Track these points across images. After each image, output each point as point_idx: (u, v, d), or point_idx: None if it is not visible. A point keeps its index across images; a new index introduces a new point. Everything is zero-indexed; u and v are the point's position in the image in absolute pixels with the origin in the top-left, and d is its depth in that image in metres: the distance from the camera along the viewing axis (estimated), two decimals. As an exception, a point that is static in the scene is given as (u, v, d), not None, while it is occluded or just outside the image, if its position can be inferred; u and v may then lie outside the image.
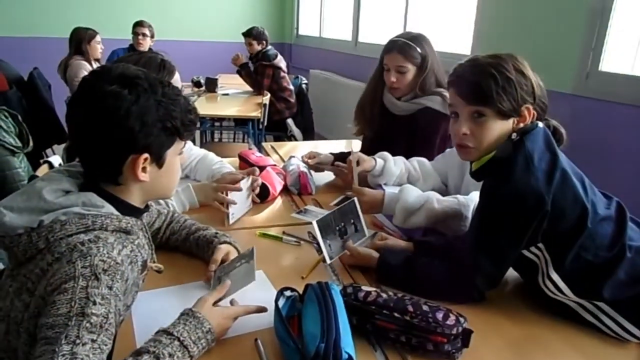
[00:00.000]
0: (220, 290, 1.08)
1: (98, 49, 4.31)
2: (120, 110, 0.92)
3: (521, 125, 1.19)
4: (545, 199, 1.08)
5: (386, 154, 1.87)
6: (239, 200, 1.64)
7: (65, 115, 0.99)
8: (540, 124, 1.21)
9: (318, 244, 1.50)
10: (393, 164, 1.83)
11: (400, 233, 1.60)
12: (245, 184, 1.68)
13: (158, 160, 1.01)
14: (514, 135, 1.17)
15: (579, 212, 1.12)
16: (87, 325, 0.80)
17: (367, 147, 2.14)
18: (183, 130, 1.03)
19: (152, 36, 4.86)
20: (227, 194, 1.61)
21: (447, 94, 1.89)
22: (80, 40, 4.21)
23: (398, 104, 2.04)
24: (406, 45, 1.94)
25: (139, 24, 4.79)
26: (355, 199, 1.51)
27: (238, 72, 4.72)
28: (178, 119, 1.00)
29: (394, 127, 2.03)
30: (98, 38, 4.30)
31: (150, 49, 4.80)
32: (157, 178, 1.02)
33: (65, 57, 4.26)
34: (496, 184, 1.17)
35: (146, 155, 0.97)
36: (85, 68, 4.14)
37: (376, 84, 2.09)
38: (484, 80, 1.15)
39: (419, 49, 1.94)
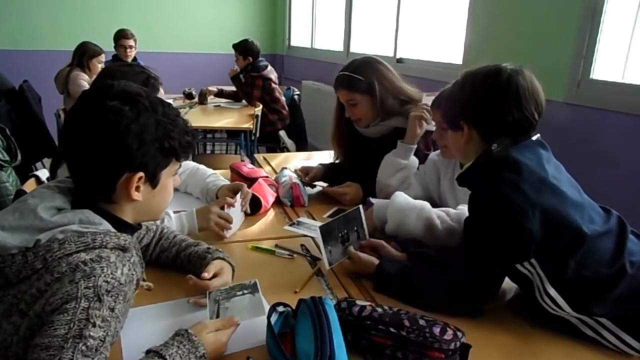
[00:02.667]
0: (225, 323, 1.02)
1: (98, 67, 4.24)
2: (120, 127, 0.91)
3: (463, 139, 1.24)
4: (529, 213, 1.06)
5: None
6: (234, 217, 1.62)
7: (62, 127, 0.97)
8: (535, 137, 1.20)
9: (311, 256, 1.48)
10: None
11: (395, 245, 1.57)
12: (238, 199, 1.67)
13: (152, 180, 0.99)
14: (494, 147, 1.17)
15: (573, 227, 1.09)
16: (83, 348, 0.78)
17: (352, 169, 2.12)
18: (180, 152, 1.02)
19: (135, 44, 4.85)
20: (224, 208, 1.59)
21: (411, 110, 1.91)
22: (83, 52, 4.17)
23: (368, 131, 2.04)
24: (348, 79, 1.94)
25: (123, 36, 4.75)
26: (360, 206, 1.49)
27: (234, 84, 4.72)
28: (176, 139, 0.99)
29: (372, 150, 2.01)
30: (102, 58, 4.25)
31: (135, 58, 4.80)
32: (149, 198, 1.01)
33: (65, 67, 4.18)
34: (482, 198, 1.16)
35: (141, 174, 0.96)
36: (84, 79, 4.09)
37: (339, 118, 2.09)
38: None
39: (361, 77, 1.92)
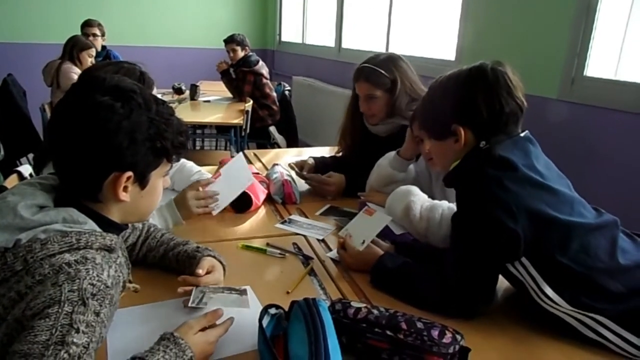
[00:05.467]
0: (209, 317, 0.99)
1: (89, 61, 4.11)
2: (111, 124, 0.87)
3: (459, 143, 1.20)
4: (513, 210, 1.05)
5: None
6: (220, 189, 1.56)
7: (49, 121, 0.92)
8: (523, 134, 1.19)
9: (304, 254, 1.44)
10: None
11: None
12: (227, 169, 1.60)
13: (141, 180, 0.95)
14: (482, 144, 1.16)
15: (561, 222, 1.07)
16: (65, 356, 0.73)
17: (356, 167, 2.09)
18: (172, 152, 0.98)
19: (102, 35, 4.76)
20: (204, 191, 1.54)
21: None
22: (73, 45, 4.06)
23: (378, 128, 2.00)
24: (373, 72, 1.89)
25: (87, 24, 4.67)
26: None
27: (222, 79, 4.67)
28: (169, 139, 0.95)
29: (380, 148, 1.96)
30: (92, 51, 4.15)
31: (103, 46, 4.75)
32: (137, 199, 0.97)
33: (55, 59, 4.07)
34: (468, 196, 1.15)
35: (130, 173, 0.92)
36: (75, 72, 3.97)
37: (353, 111, 2.05)
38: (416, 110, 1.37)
39: (387, 74, 1.88)
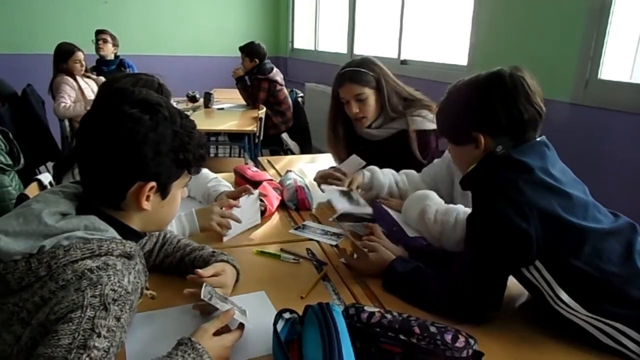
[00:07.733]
0: (222, 319, 1.01)
1: (77, 67, 4.11)
2: (138, 135, 0.91)
3: (479, 149, 1.20)
4: (526, 212, 1.05)
5: (374, 167, 1.85)
6: (239, 215, 1.59)
7: (76, 132, 0.96)
8: (539, 138, 1.19)
9: (317, 260, 1.45)
10: (381, 175, 1.82)
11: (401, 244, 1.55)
12: (244, 201, 1.64)
13: (163, 190, 0.99)
14: (499, 148, 1.16)
15: (575, 226, 1.07)
16: (87, 359, 0.75)
17: None
18: (193, 164, 1.01)
19: (115, 45, 4.82)
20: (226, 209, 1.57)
21: (420, 111, 1.92)
22: (57, 57, 4.07)
23: (373, 133, 2.00)
24: (356, 73, 1.91)
25: (99, 31, 4.75)
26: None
27: (237, 85, 4.71)
28: (191, 152, 0.99)
29: (375, 153, 1.98)
30: (77, 56, 4.11)
31: (117, 56, 4.85)
32: (158, 209, 1.00)
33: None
34: (482, 198, 1.16)
35: (153, 184, 0.95)
36: (67, 82, 4.04)
37: (334, 121, 2.05)
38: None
39: (369, 72, 1.91)
